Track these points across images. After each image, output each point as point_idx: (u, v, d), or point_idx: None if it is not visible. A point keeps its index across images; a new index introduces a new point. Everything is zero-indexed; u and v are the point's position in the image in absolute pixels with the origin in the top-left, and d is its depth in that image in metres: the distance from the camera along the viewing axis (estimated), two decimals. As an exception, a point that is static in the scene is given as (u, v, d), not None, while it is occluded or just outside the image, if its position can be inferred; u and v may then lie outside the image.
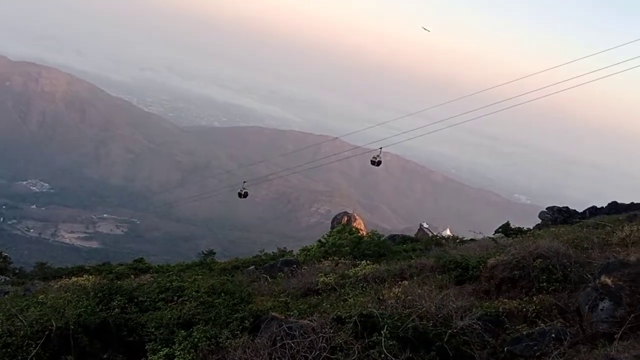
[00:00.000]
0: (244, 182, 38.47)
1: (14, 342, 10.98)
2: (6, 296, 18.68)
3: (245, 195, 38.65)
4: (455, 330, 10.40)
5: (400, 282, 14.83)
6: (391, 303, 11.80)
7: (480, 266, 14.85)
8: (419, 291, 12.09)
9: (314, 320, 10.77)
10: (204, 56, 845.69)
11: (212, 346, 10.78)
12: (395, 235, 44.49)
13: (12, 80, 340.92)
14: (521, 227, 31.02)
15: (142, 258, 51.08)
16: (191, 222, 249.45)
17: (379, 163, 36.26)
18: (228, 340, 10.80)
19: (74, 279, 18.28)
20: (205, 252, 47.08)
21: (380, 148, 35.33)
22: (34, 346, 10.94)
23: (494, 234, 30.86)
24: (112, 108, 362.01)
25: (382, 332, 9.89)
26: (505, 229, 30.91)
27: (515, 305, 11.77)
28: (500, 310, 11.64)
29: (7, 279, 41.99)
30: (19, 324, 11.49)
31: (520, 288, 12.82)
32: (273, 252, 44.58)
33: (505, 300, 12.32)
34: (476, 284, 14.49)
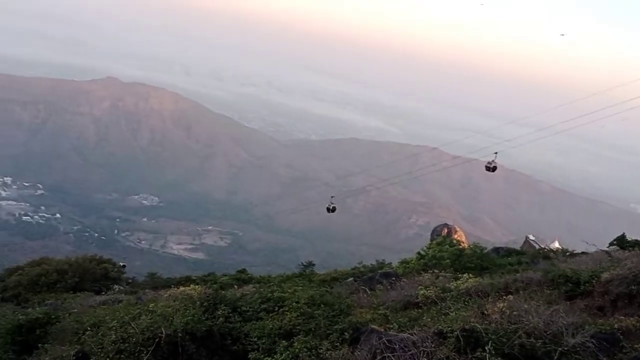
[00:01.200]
0: (332, 197, 38.62)
1: (127, 348, 11.59)
2: (120, 304, 19.79)
3: (334, 210, 38.79)
4: (566, 349, 9.78)
5: (504, 297, 14.22)
6: (495, 318, 11.33)
7: (593, 281, 13.94)
8: (526, 306, 11.51)
9: (415, 333, 10.55)
10: (301, 70, 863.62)
11: (313, 357, 10.83)
12: (499, 247, 42.87)
13: (124, 100, 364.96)
14: (639, 239, 28.80)
15: (244, 269, 52.65)
16: (291, 234, 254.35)
17: (494, 168, 35.25)
18: (328, 352, 10.80)
19: (181, 288, 19.11)
20: (304, 263, 47.71)
21: (495, 153, 34.40)
22: (145, 352, 11.49)
23: (607, 247, 28.89)
24: (215, 124, 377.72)
25: (487, 348, 9.49)
26: (621, 241, 28.75)
27: (633, 322, 10.92)
28: (616, 327, 10.84)
29: (121, 288, 44.70)
30: (131, 331, 12.11)
31: (639, 305, 11.90)
32: (371, 264, 44.35)
33: (621, 317, 11.46)
34: (589, 299, 13.60)
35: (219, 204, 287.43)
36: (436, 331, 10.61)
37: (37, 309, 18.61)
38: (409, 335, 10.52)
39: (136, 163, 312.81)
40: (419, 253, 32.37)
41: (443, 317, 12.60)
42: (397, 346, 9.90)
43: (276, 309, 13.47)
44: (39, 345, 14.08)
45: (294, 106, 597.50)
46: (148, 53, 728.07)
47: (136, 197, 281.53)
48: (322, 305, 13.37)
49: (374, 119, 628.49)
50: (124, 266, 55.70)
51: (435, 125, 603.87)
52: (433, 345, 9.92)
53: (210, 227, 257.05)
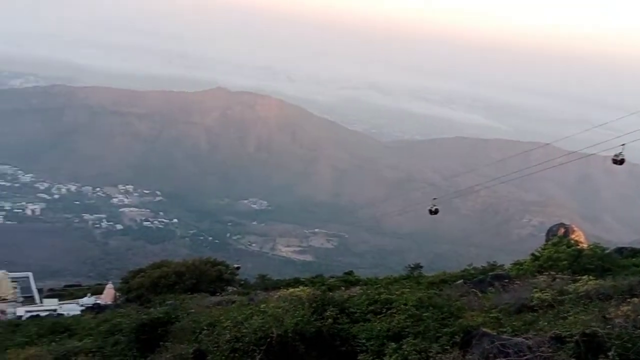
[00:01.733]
0: (434, 198, 37.68)
1: (241, 347, 12.00)
2: (233, 305, 20.52)
3: (436, 212, 37.81)
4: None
5: (629, 300, 13.22)
6: (619, 322, 10.54)
7: None
8: (654, 310, 10.64)
9: (530, 337, 10.08)
10: (401, 70, 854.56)
11: (423, 360, 10.66)
12: (623, 247, 39.92)
13: (232, 109, 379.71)
14: None
15: (351, 271, 52.97)
16: (397, 236, 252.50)
17: (622, 161, 32.90)
18: (438, 355, 10.57)
19: (290, 289, 19.47)
20: (412, 265, 47.14)
21: (623, 144, 31.65)
22: (258, 352, 11.83)
23: None
24: (318, 128, 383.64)
25: (609, 354, 8.86)
26: None
27: None
28: None
29: (234, 289, 46.45)
30: (244, 330, 12.51)
31: None
32: (482, 266, 42.94)
33: None
34: None
35: (324, 207, 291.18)
36: (553, 335, 10.06)
37: (158, 309, 19.73)
38: (523, 339, 10.07)
39: (245, 169, 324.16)
40: (533, 254, 30.94)
41: (561, 321, 11.92)
42: (511, 350, 9.50)
43: (384, 310, 13.38)
44: (161, 343, 14.89)
45: (395, 107, 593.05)
46: (252, 62, 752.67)
47: (246, 201, 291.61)
48: (431, 308, 13.12)
49: (480, 116, 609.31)
50: (238, 268, 58.01)
51: (547, 120, 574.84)
52: (550, 350, 9.41)
53: (316, 230, 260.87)
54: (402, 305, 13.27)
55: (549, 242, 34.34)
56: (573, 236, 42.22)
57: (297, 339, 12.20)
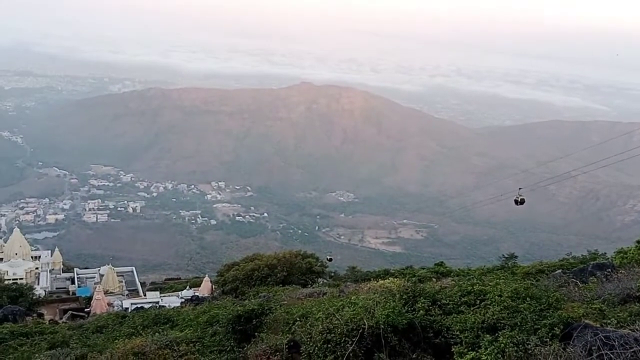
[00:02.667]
0: (519, 188, 36.11)
1: (333, 338, 12.08)
2: (324, 297, 20.72)
3: (522, 202, 36.18)
4: None
5: None
6: None
7: None
8: None
9: (637, 330, 9.47)
10: (493, 54, 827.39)
11: (520, 352, 10.28)
12: None
13: (317, 103, 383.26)
14: None
15: (442, 262, 52.01)
16: (490, 225, 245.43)
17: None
18: (537, 348, 10.16)
19: (380, 281, 19.44)
20: (506, 255, 45.72)
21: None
22: (350, 343, 11.86)
23: None
24: (404, 118, 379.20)
25: None
26: None
27: None
28: None
29: (325, 281, 46.99)
30: (336, 322, 12.59)
31: None
32: (582, 255, 40.97)
33: None
34: None
35: (413, 197, 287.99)
36: (664, 328, 9.41)
37: (253, 301, 20.29)
38: (629, 331, 9.47)
39: (332, 162, 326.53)
40: (638, 242, 29.06)
41: (671, 312, 11.15)
42: (617, 343, 8.97)
43: (477, 302, 13.02)
44: (256, 334, 15.31)
45: (485, 92, 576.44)
46: (335, 55, 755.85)
47: (333, 194, 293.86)
48: (527, 299, 12.62)
49: (579, 98, 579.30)
50: (330, 259, 58.82)
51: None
52: (660, 344, 8.80)
53: (405, 221, 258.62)
54: (496, 297, 12.86)
55: (657, 229, 32.11)
56: (684, 221, 39.27)
57: (388, 330, 12.13)
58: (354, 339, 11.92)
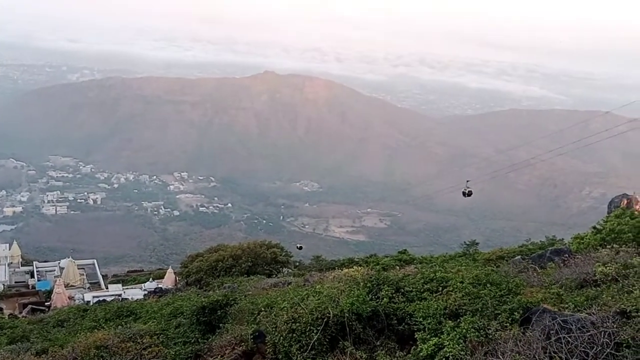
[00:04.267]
0: (467, 181, 36.65)
1: (298, 327, 12.15)
2: (289, 286, 20.78)
3: (470, 194, 36.58)
4: None
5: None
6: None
7: None
8: None
9: (593, 313, 9.78)
10: (456, 43, 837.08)
11: (482, 337, 10.52)
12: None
13: (281, 92, 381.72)
14: None
15: (405, 250, 52.64)
16: (451, 213, 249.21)
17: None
18: (497, 332, 10.42)
19: (345, 270, 19.54)
20: (467, 242, 46.56)
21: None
22: (315, 332, 11.95)
23: None
24: (367, 107, 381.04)
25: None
26: None
27: None
28: None
29: (290, 271, 47.08)
30: (301, 311, 12.65)
31: None
32: (540, 241, 42.01)
33: None
34: None
35: (376, 186, 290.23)
36: (618, 310, 9.74)
37: (217, 292, 20.20)
38: (586, 315, 9.78)
39: (296, 151, 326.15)
40: (594, 227, 29.94)
41: (626, 295, 11.53)
42: (574, 327, 9.25)
43: (440, 289, 13.25)
44: (221, 325, 15.27)
45: (447, 82, 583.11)
46: (299, 44, 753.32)
47: (298, 184, 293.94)
48: (488, 285, 12.91)
49: (537, 87, 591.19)
50: (300, 248, 59.15)
51: (607, 87, 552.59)
52: (615, 326, 9.11)
53: (369, 210, 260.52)
54: (458, 283, 13.10)
55: (612, 214, 33.12)
56: (637, 207, 40.64)
57: (353, 318, 12.25)
58: (318, 328, 12.01)
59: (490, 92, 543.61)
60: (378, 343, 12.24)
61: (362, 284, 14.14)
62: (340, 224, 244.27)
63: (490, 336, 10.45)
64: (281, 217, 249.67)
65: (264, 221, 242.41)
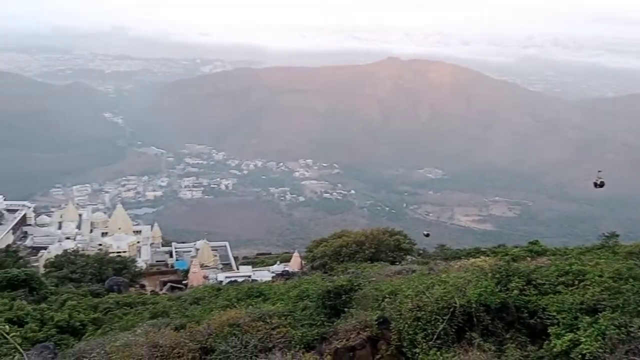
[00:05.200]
0: (599, 171, 33.62)
1: (423, 316, 12.04)
2: (414, 274, 20.61)
3: (602, 185, 33.57)
4: None
5: None
6: None
7: None
8: None
9: None
10: (592, 22, 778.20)
11: (623, 335, 9.84)
12: None
13: (404, 78, 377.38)
14: None
15: (536, 240, 50.00)
16: (588, 202, 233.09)
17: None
18: (640, 331, 9.70)
19: (471, 260, 19.01)
20: (606, 234, 43.38)
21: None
22: (440, 321, 11.78)
23: None
24: (496, 91, 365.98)
25: None
26: None
27: None
28: None
29: (413, 258, 46.61)
30: (426, 300, 12.53)
31: None
32: (692, 234, 38.20)
33: None
34: None
35: (504, 174, 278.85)
36: None
37: (342, 277, 20.51)
38: None
39: (419, 138, 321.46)
40: None
41: None
42: None
43: (576, 282, 12.54)
44: (345, 309, 15.51)
45: (583, 62, 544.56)
46: (424, 29, 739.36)
47: (421, 171, 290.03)
48: (631, 280, 12.01)
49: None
50: (427, 235, 58.60)
51: None
52: None
53: (497, 198, 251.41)
54: (597, 277, 12.32)
55: None
56: None
57: (481, 309, 11.93)
58: (444, 317, 11.83)
59: (631, 73, 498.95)
60: (507, 336, 11.86)
61: (490, 274, 13.73)
62: (465, 213, 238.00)
63: (633, 334, 9.75)
64: (404, 205, 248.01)
65: (387, 208, 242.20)
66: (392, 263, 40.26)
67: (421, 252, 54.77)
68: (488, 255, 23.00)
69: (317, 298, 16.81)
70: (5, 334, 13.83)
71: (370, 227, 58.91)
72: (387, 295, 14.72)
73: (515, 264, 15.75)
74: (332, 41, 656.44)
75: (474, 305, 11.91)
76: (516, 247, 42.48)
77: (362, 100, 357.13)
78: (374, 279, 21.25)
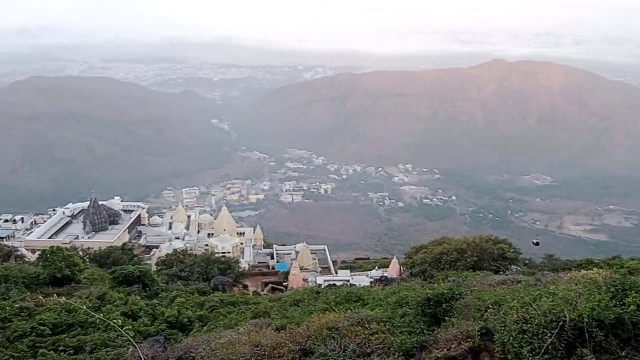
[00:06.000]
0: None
1: (529, 328, 11.47)
2: (519, 285, 19.77)
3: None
4: None
5: None
6: None
7: None
8: None
9: None
10: None
11: None
12: None
13: (510, 80, 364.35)
14: None
15: (657, 253, 46.45)
16: None
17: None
18: None
19: (582, 271, 17.95)
20: None
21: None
22: (549, 335, 11.18)
23: None
24: (610, 93, 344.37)
25: None
26: None
27: None
28: None
29: (518, 268, 44.78)
30: (533, 312, 11.94)
31: None
32: None
33: None
34: None
35: (620, 181, 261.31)
36: None
37: (442, 284, 20.05)
38: None
39: (526, 143, 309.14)
40: None
41: None
42: None
43: None
44: (446, 318, 15.13)
45: None
46: (532, 29, 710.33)
47: (528, 177, 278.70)
48: None
49: None
50: (537, 243, 56.41)
51: None
52: None
53: (611, 207, 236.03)
54: None
55: None
56: None
57: (593, 324, 11.19)
58: (553, 331, 11.22)
59: None
60: (623, 354, 11.03)
61: (604, 287, 12.86)
62: (576, 222, 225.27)
63: None
64: (509, 212, 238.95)
65: (490, 215, 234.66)
66: (496, 272, 38.97)
67: (527, 262, 52.67)
68: (601, 268, 21.63)
69: (416, 305, 16.54)
70: (119, 327, 14.75)
71: (473, 235, 57.30)
72: (490, 306, 14.22)
73: (632, 277, 14.67)
74: (434, 44, 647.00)
75: (585, 320, 11.20)
76: (633, 259, 39.64)
77: (465, 104, 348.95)
78: (476, 288, 20.64)
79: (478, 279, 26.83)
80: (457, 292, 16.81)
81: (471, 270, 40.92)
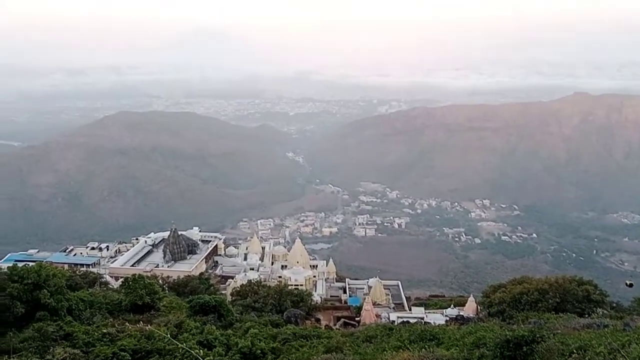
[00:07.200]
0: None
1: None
2: (606, 329, 18.74)
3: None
4: None
5: None
6: None
7: None
8: None
9: None
10: None
11: None
12: None
13: (594, 114, 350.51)
14: None
15: None
16: None
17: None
18: None
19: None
20: None
21: None
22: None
23: None
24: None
25: None
26: None
27: None
28: None
29: (605, 312, 42.30)
30: (621, 359, 11.31)
31: None
32: None
33: None
34: None
35: None
36: None
37: (522, 326, 19.28)
38: None
39: (612, 178, 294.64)
40: None
41: None
42: None
43: None
44: (526, 362, 14.51)
45: None
46: (617, 60, 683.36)
47: (615, 215, 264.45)
48: None
49: None
50: (631, 285, 53.55)
51: None
52: None
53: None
54: None
55: None
56: None
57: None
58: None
59: None
60: None
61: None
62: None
63: None
64: (594, 252, 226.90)
65: (574, 255, 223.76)
66: (580, 315, 37.04)
67: (614, 305, 49.71)
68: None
69: (495, 347, 16.00)
70: (201, 358, 15.02)
71: (555, 275, 54.80)
72: (574, 351, 13.56)
73: None
74: (512, 77, 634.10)
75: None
76: None
77: (546, 138, 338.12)
78: (559, 331, 19.72)
79: (561, 322, 25.60)
80: (538, 335, 16.12)
81: (553, 312, 39.14)
